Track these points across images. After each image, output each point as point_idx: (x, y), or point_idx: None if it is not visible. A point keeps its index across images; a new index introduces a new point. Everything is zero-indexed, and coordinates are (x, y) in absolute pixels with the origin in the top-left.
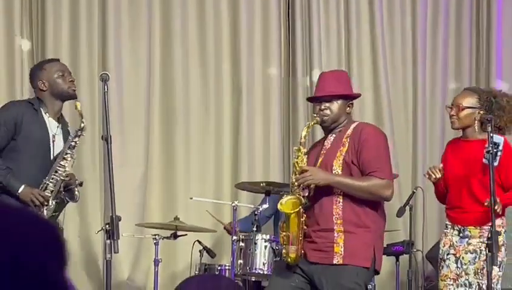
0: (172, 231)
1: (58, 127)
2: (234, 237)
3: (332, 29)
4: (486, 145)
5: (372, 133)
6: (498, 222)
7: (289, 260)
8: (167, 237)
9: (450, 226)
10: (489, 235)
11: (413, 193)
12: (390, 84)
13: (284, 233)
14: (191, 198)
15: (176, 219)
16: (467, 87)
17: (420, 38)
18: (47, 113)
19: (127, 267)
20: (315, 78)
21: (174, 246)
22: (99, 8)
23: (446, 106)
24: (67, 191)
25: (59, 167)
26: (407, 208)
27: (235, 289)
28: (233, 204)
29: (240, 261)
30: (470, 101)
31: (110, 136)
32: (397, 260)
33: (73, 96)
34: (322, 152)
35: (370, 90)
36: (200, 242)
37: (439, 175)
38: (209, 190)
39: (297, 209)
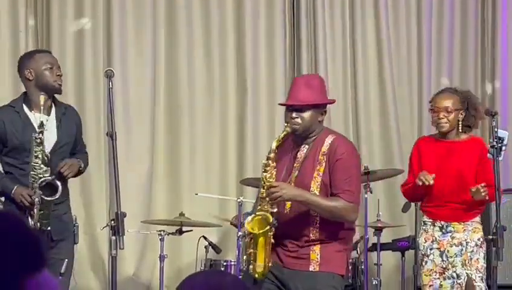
0: (178, 227)
1: (47, 120)
2: (239, 233)
3: (338, 26)
4: (490, 140)
5: (346, 153)
6: (477, 218)
7: (256, 275)
8: (172, 233)
9: (429, 223)
10: (494, 230)
11: None
12: (396, 80)
13: (252, 250)
14: (196, 194)
15: (181, 214)
16: (445, 88)
17: (425, 34)
18: (32, 110)
19: (132, 263)
20: (320, 74)
21: (179, 242)
22: (104, 3)
23: (430, 109)
24: (42, 188)
25: (34, 164)
26: (413, 203)
27: (240, 286)
28: (238, 200)
29: (245, 256)
30: (454, 102)
31: (115, 133)
32: (403, 255)
33: (57, 91)
34: (295, 165)
35: (375, 86)
36: (205, 238)
37: (432, 182)
38: (215, 186)
39: (265, 230)
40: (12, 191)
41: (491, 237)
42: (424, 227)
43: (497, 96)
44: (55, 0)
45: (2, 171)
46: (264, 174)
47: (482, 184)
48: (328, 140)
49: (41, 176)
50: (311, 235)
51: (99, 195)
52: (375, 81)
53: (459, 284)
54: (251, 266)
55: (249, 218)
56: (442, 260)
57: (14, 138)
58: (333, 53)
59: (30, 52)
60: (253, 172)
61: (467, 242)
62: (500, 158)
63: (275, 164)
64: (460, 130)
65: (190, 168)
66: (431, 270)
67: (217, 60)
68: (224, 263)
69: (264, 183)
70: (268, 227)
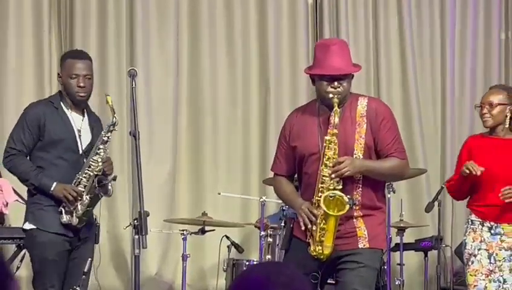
0: (200, 226)
1: (82, 120)
2: (262, 233)
3: (360, 25)
4: None
5: (388, 113)
6: None
7: (322, 257)
8: (195, 233)
9: (478, 223)
10: None
11: (442, 188)
12: (419, 80)
13: (323, 231)
14: (219, 193)
15: (204, 214)
16: (493, 85)
17: (449, 35)
18: (69, 108)
19: (155, 262)
20: None
21: (202, 241)
22: (127, 3)
23: (475, 105)
24: (101, 185)
25: (92, 162)
26: (436, 203)
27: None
28: (261, 200)
29: (268, 256)
30: (500, 98)
31: (138, 132)
32: (426, 255)
33: (78, 103)
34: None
35: (398, 86)
36: (228, 237)
37: (479, 173)
38: (237, 186)
39: (345, 211)
40: (52, 188)
41: None
42: (472, 226)
43: None
44: (78, 1)
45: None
46: (327, 151)
47: (507, 187)
48: (363, 102)
49: (96, 173)
50: (354, 213)
51: (122, 194)
52: (398, 82)
53: (505, 289)
54: (318, 247)
55: (322, 198)
56: (490, 262)
57: (52, 132)
58: (356, 55)
59: (65, 54)
60: None
61: None
62: None
63: (337, 140)
64: (507, 127)
65: (213, 168)
66: (477, 270)
67: (240, 60)
68: (247, 263)
69: (328, 160)
70: (347, 208)
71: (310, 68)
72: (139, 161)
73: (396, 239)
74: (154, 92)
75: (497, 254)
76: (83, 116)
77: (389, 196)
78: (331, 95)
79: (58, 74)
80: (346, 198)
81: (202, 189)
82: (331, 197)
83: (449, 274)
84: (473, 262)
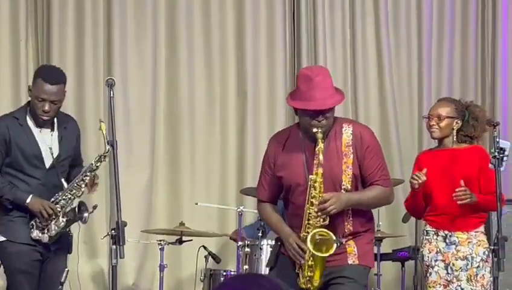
0: (178, 237)
1: (52, 135)
2: (240, 243)
3: (338, 35)
4: (492, 150)
5: (373, 140)
6: (481, 228)
7: (311, 288)
8: (172, 243)
9: (433, 233)
10: (496, 241)
11: None
12: (396, 92)
13: (311, 267)
14: (197, 203)
15: (181, 224)
16: (442, 97)
17: (426, 40)
18: (35, 125)
19: (132, 272)
20: None
21: (179, 251)
22: (105, 13)
23: (423, 116)
24: (80, 211)
25: (76, 186)
26: None
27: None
28: (238, 210)
29: (246, 266)
30: (448, 111)
31: (116, 141)
32: (403, 265)
33: (40, 124)
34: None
35: (375, 98)
36: (205, 248)
37: (424, 177)
38: (215, 196)
39: (331, 252)
40: (28, 200)
41: (492, 247)
42: (427, 237)
43: (497, 107)
44: (55, 9)
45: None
46: (312, 189)
47: (461, 188)
48: (348, 130)
49: (77, 197)
50: (345, 230)
51: (99, 205)
52: (376, 92)
53: None
54: (307, 280)
55: (309, 237)
56: (447, 273)
57: (18, 149)
58: (333, 63)
59: (40, 71)
60: (253, 182)
61: (472, 257)
62: (502, 168)
63: (322, 179)
64: (455, 139)
65: (190, 178)
66: (435, 282)
67: (218, 70)
68: (224, 273)
69: (314, 198)
70: (335, 247)
71: (293, 98)
72: (117, 170)
73: (373, 249)
74: (131, 101)
75: (453, 264)
76: (52, 130)
77: None
78: (315, 129)
79: (29, 88)
80: (333, 237)
81: (180, 199)
82: (317, 239)
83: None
84: (430, 274)
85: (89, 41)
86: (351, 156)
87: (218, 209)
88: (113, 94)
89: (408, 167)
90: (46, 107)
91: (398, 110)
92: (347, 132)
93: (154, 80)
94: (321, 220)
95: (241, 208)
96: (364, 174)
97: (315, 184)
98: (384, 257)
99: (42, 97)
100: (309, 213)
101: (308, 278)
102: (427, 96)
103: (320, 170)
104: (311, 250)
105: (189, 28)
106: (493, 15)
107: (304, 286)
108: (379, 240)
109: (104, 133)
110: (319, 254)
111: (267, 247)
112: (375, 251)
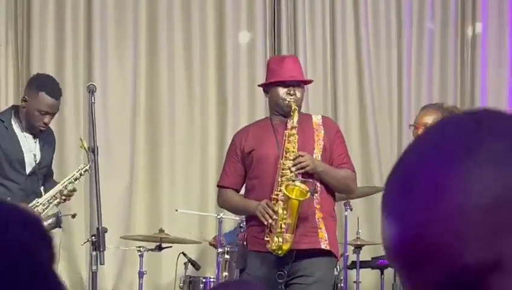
0: (157, 243)
1: (36, 142)
2: (219, 250)
3: (318, 42)
4: None
5: (340, 130)
6: None
7: (280, 252)
8: (152, 249)
9: None
10: None
11: None
12: (376, 99)
13: (285, 221)
14: (176, 210)
15: (161, 230)
16: (429, 104)
17: (405, 55)
18: (22, 130)
19: (111, 279)
20: None
21: (158, 258)
22: (85, 19)
23: (410, 125)
24: (58, 217)
25: (56, 194)
26: None
27: None
28: (218, 216)
29: (225, 273)
30: (434, 118)
31: (97, 147)
32: (382, 273)
33: (37, 134)
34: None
35: (355, 105)
36: (185, 254)
37: None
38: (195, 202)
39: (306, 197)
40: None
41: None
42: None
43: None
44: (35, 14)
45: None
46: (288, 144)
47: None
48: (317, 116)
49: (55, 204)
50: (316, 211)
51: (78, 210)
52: (355, 99)
53: None
54: (276, 239)
55: (282, 187)
56: None
57: (1, 152)
58: (314, 72)
59: (42, 84)
60: None
61: None
62: None
63: (297, 135)
64: None
65: (170, 185)
66: None
67: (198, 77)
68: (204, 280)
69: (288, 152)
70: (309, 195)
71: (266, 80)
72: (97, 176)
73: (353, 257)
74: (111, 107)
75: None
76: (36, 136)
77: (346, 213)
78: (288, 99)
79: (24, 98)
80: (306, 187)
81: (159, 205)
82: (291, 186)
83: None
84: None
85: (69, 47)
86: (322, 132)
87: (198, 216)
88: (94, 100)
89: (387, 174)
90: (47, 120)
91: (378, 119)
92: (317, 117)
93: (134, 86)
94: (294, 176)
95: (221, 214)
96: (333, 156)
97: (290, 138)
98: (363, 264)
99: (45, 110)
100: (282, 169)
101: (279, 235)
102: (407, 106)
103: (295, 126)
104: (286, 193)
105: (169, 35)
106: (472, 21)
107: (274, 247)
108: (358, 247)
109: (86, 149)
110: (294, 197)
111: None
112: (355, 259)
